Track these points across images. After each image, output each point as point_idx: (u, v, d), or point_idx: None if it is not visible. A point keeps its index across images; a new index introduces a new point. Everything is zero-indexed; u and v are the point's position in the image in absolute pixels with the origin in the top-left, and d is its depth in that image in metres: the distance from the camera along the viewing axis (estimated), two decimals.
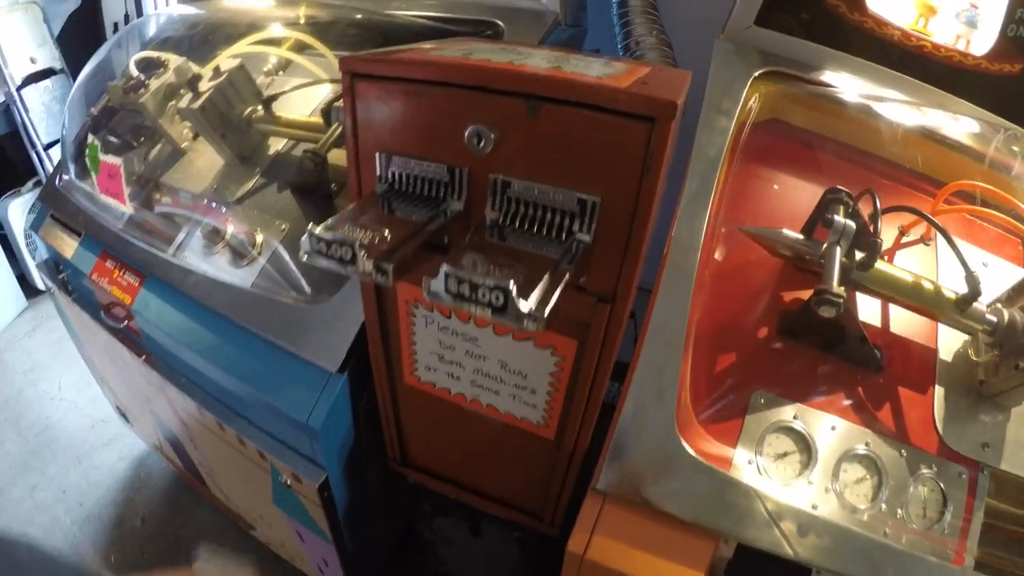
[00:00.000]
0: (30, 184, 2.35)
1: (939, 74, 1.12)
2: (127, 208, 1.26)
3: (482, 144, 0.59)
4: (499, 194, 0.62)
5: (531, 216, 0.62)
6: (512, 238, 0.62)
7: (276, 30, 1.30)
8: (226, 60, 1.22)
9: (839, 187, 0.88)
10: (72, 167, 1.43)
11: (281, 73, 1.37)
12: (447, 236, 0.68)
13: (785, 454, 0.81)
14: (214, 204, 1.17)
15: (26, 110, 2.21)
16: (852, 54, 1.14)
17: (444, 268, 0.51)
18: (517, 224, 0.62)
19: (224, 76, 1.19)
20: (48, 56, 2.27)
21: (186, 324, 1.15)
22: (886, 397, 0.85)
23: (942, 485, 0.79)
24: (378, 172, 0.68)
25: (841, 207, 0.87)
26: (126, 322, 1.29)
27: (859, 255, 0.83)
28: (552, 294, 0.52)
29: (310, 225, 0.57)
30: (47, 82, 2.27)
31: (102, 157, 1.27)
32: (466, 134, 0.60)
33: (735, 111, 1.00)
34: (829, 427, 0.82)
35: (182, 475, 1.73)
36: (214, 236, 1.16)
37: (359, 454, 1.15)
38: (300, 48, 1.30)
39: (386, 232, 0.60)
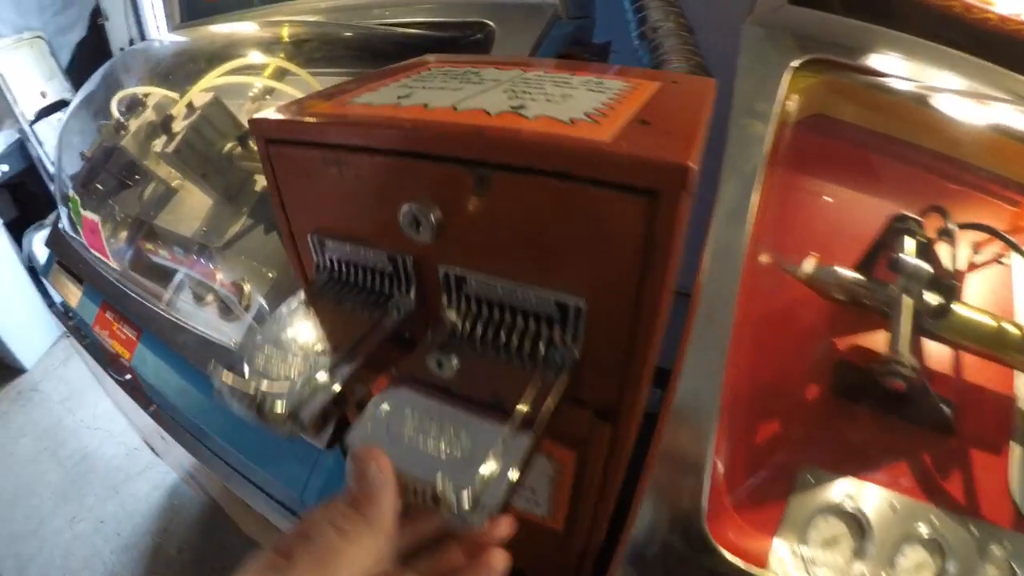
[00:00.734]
0: (52, 217, 2.29)
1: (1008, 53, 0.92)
2: (112, 263, 1.17)
3: (420, 229, 0.43)
4: (454, 291, 0.46)
5: (498, 320, 0.45)
6: (479, 347, 0.48)
7: (254, 57, 1.17)
8: (199, 95, 1.10)
9: (906, 214, 0.70)
10: (65, 214, 1.35)
11: (268, 98, 1.24)
12: (407, 331, 0.54)
13: (834, 539, 0.64)
14: (200, 257, 1.07)
15: (40, 144, 2.14)
16: (904, 32, 0.95)
17: (356, 431, 0.39)
18: (481, 331, 0.46)
19: (197, 113, 1.07)
20: (58, 88, 2.18)
21: (181, 385, 1.06)
22: (955, 462, 0.68)
23: (1015, 565, 0.63)
24: (314, 258, 0.53)
25: (907, 239, 0.69)
26: (129, 375, 1.22)
27: (931, 297, 0.65)
28: (511, 474, 0.37)
29: (220, 373, 0.45)
30: (60, 114, 2.18)
31: (83, 212, 1.18)
32: (400, 216, 0.43)
33: (772, 113, 0.81)
34: (887, 505, 0.65)
35: (212, 505, 1.68)
36: (203, 289, 1.06)
37: None
38: (281, 73, 1.17)
39: (313, 355, 0.47)
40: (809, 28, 0.94)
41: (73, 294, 1.34)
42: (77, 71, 2.24)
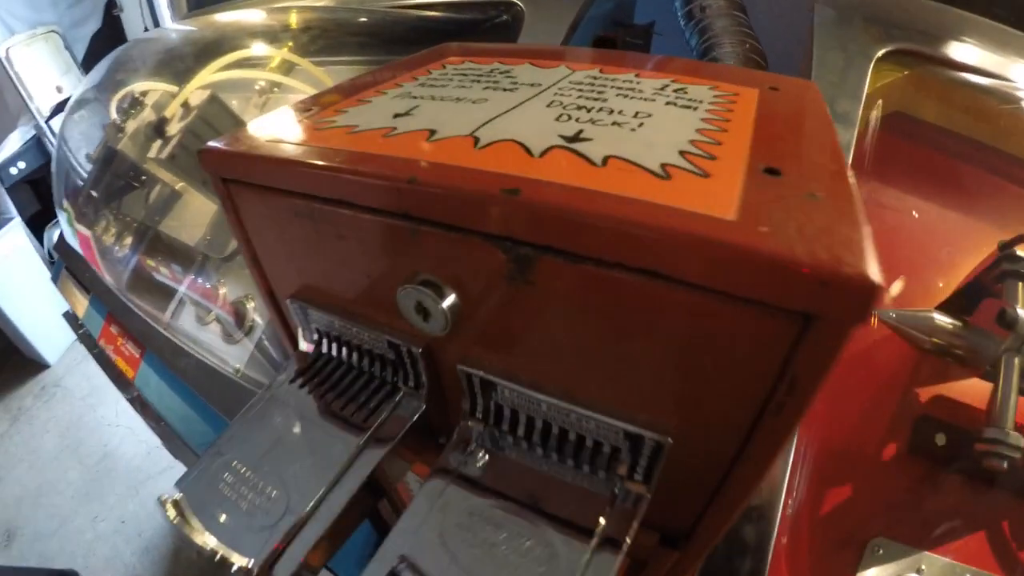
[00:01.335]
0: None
1: None
2: (106, 276, 1.04)
3: (429, 320, 0.28)
4: (479, 397, 0.32)
5: (542, 438, 0.31)
6: (515, 453, 0.33)
7: (257, 48, 1.01)
8: (196, 93, 0.95)
9: (1018, 252, 0.54)
10: (64, 221, 1.21)
11: (276, 90, 1.09)
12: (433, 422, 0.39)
13: None
14: (202, 274, 0.93)
15: (57, 139, 2.00)
16: (994, 19, 0.77)
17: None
18: (514, 440, 0.32)
19: (194, 113, 0.93)
20: (74, 82, 2.02)
21: (184, 412, 0.93)
22: None
23: None
24: (298, 328, 0.40)
25: (1020, 285, 0.53)
26: (136, 392, 1.09)
27: None
28: None
29: (169, 511, 0.32)
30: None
31: (76, 226, 1.05)
32: (400, 301, 0.29)
33: (856, 114, 0.64)
34: None
35: None
36: (203, 310, 0.93)
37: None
38: (289, 65, 1.01)
39: (289, 482, 0.33)
40: (885, 11, 0.76)
41: (80, 303, 1.21)
42: (93, 64, 2.10)
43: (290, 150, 0.32)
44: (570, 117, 0.30)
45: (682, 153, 0.26)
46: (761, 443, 0.27)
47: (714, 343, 0.23)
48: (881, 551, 0.56)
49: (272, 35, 1.02)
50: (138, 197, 1.09)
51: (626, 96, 0.33)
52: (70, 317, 1.32)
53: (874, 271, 0.20)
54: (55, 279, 1.32)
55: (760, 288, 0.21)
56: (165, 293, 0.98)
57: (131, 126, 1.07)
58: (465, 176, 0.25)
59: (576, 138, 0.27)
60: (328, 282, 0.35)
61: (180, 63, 1.03)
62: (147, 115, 1.05)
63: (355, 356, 0.37)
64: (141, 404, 1.07)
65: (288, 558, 0.30)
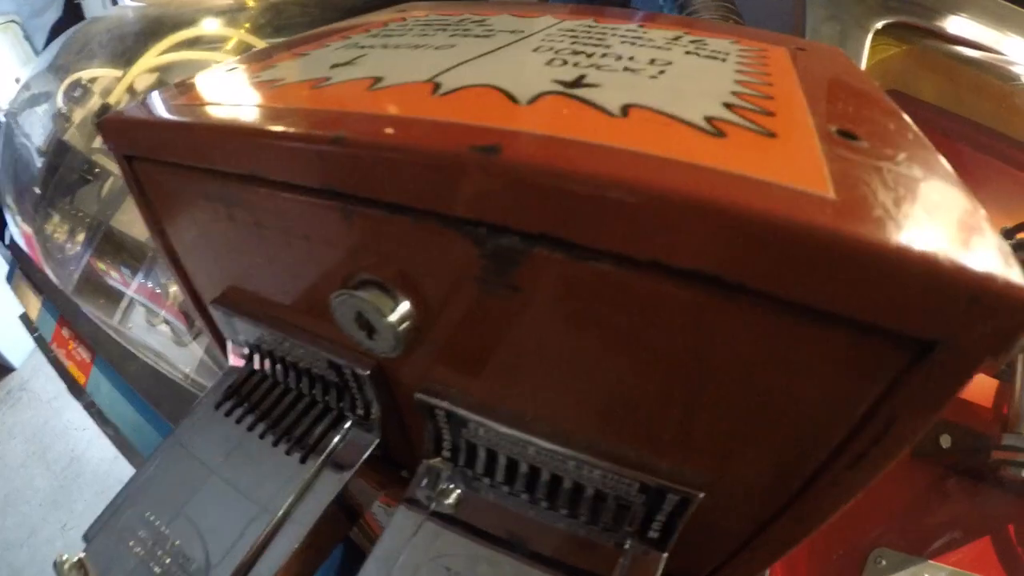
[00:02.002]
0: None
1: None
2: (52, 276, 0.92)
3: (376, 337, 0.19)
4: (446, 434, 0.23)
5: (527, 484, 0.22)
6: (494, 496, 0.25)
7: (208, 26, 0.90)
8: (142, 77, 0.84)
9: None
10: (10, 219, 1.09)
11: None
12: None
13: None
14: (150, 275, 0.82)
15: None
16: None
17: None
18: (491, 483, 0.23)
19: (140, 99, 0.82)
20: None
21: (135, 421, 0.83)
22: None
23: None
24: (226, 336, 0.31)
25: None
26: (89, 399, 0.99)
27: None
28: None
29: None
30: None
31: (19, 224, 0.93)
32: (335, 310, 0.20)
33: None
34: None
35: None
36: (152, 313, 0.82)
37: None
38: (245, 49, 0.90)
39: (210, 541, 0.24)
40: None
41: (34, 305, 1.10)
42: None
43: (191, 113, 0.23)
44: (566, 62, 0.21)
45: (728, 106, 0.17)
46: (818, 499, 0.19)
47: (782, 374, 0.15)
48: (883, 562, 0.51)
49: (227, 13, 0.91)
50: (87, 192, 0.98)
51: (633, 44, 0.24)
52: (25, 319, 1.20)
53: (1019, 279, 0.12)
54: (9, 279, 1.20)
55: (868, 301, 0.13)
56: (114, 294, 0.87)
57: (78, 115, 0.95)
58: (417, 130, 0.16)
59: (578, 83, 0.18)
60: (252, 284, 0.26)
61: (122, 44, 0.91)
62: (95, 103, 0.94)
63: (292, 376, 0.28)
64: (97, 412, 0.97)
65: None
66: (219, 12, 0.94)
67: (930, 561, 0.51)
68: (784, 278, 0.13)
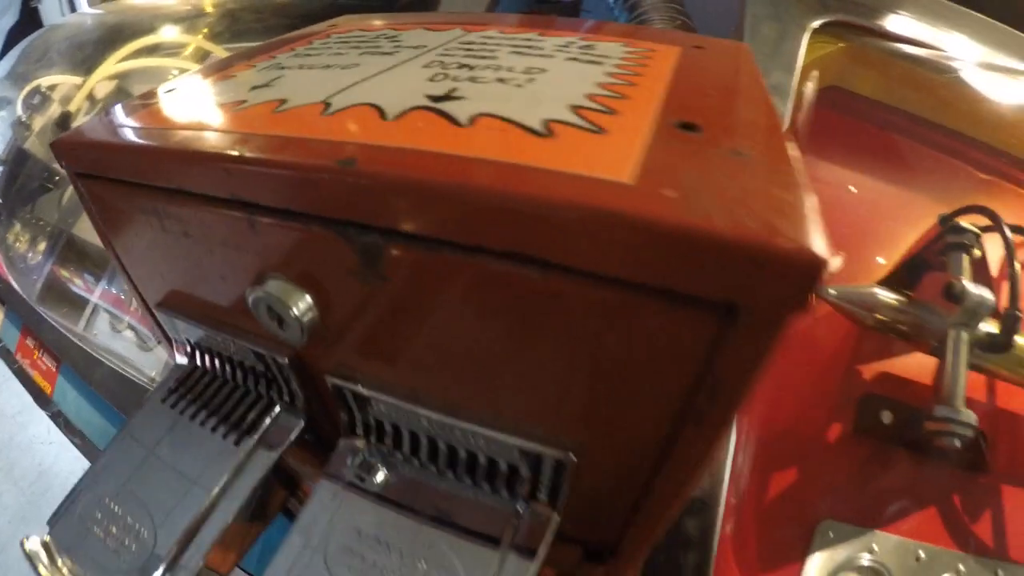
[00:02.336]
0: None
1: None
2: (15, 285, 0.94)
3: (285, 327, 0.23)
4: (356, 412, 0.27)
5: (428, 455, 0.26)
6: (409, 471, 0.28)
7: (166, 32, 0.92)
8: (102, 84, 0.86)
9: (962, 223, 0.52)
10: None
11: None
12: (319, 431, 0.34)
13: None
14: (114, 280, 0.84)
15: None
16: None
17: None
18: (403, 458, 0.27)
19: (99, 107, 0.84)
20: None
21: (102, 427, 0.86)
22: (987, 503, 0.55)
23: None
24: (171, 337, 0.34)
25: (966, 259, 0.51)
26: (56, 408, 1.00)
27: (984, 327, 0.48)
28: None
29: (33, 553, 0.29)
30: None
31: None
32: (250, 304, 0.24)
33: (790, 86, 0.60)
34: (912, 556, 0.53)
35: None
36: (117, 318, 0.85)
37: None
38: (203, 55, 0.93)
39: (159, 515, 0.27)
40: None
41: None
42: None
43: (134, 134, 0.26)
44: (447, 76, 0.24)
45: (574, 108, 0.21)
46: (682, 456, 0.22)
47: (609, 344, 0.18)
48: (831, 533, 0.54)
49: (185, 20, 0.94)
50: (49, 200, 1.00)
51: (521, 53, 0.28)
52: None
53: (819, 244, 0.15)
54: None
55: (665, 272, 0.16)
56: (79, 302, 0.89)
57: (38, 123, 0.97)
58: (298, 148, 0.19)
59: (445, 97, 0.22)
60: (187, 287, 0.29)
61: (82, 52, 0.94)
62: (54, 110, 0.96)
63: (228, 369, 0.31)
64: (63, 421, 0.98)
65: None
66: (177, 19, 0.97)
67: (878, 531, 0.54)
68: (578, 254, 0.16)
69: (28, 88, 1.00)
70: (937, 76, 0.74)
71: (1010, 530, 0.55)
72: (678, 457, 0.22)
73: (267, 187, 0.19)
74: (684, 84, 0.25)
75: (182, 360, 0.35)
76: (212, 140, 0.22)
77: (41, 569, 0.29)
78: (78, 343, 0.87)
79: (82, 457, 1.68)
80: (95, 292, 0.84)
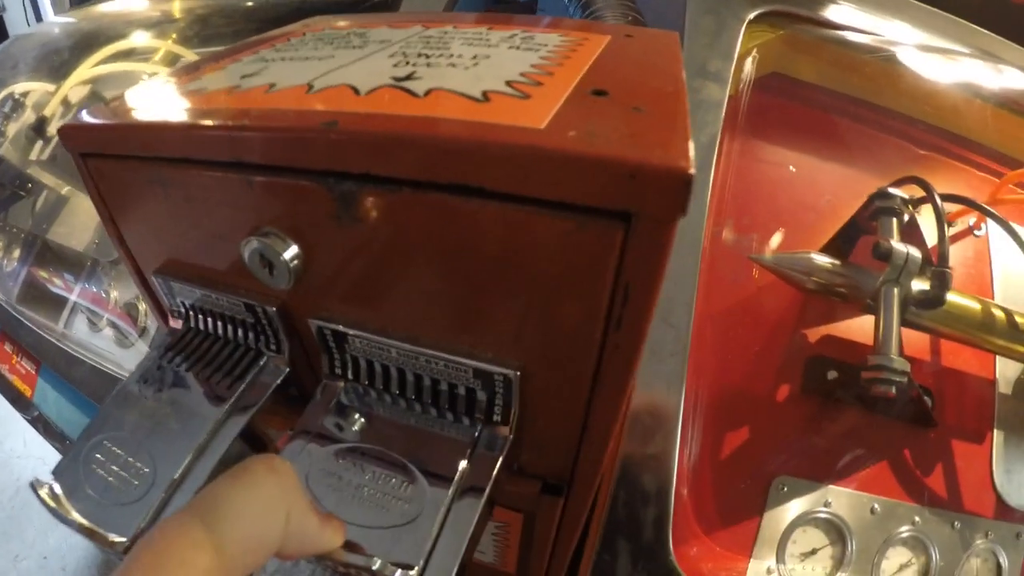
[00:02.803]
0: None
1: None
2: None
3: (275, 273, 0.28)
4: (335, 351, 0.32)
5: (399, 387, 0.31)
6: (386, 405, 0.33)
7: (137, 39, 0.96)
8: (75, 89, 0.90)
9: (889, 190, 0.58)
10: None
11: None
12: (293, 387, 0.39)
13: (814, 551, 0.57)
14: (92, 279, 0.88)
15: None
16: None
17: None
18: (377, 395, 0.32)
19: (74, 111, 0.88)
20: None
21: (84, 424, 0.89)
22: (937, 456, 0.61)
23: (996, 553, 0.59)
24: (166, 303, 0.38)
25: (895, 222, 0.57)
26: (36, 412, 1.03)
27: (917, 285, 0.54)
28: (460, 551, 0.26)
29: (42, 490, 0.33)
30: None
31: None
32: (245, 256, 0.29)
33: (728, 73, 0.67)
34: (867, 508, 0.58)
35: None
36: (96, 316, 0.88)
37: None
38: (174, 56, 0.97)
39: (159, 454, 0.32)
40: None
41: None
42: None
43: (138, 115, 0.31)
44: (408, 63, 0.30)
45: (508, 82, 0.26)
46: (611, 365, 0.27)
47: (540, 259, 0.23)
48: (786, 488, 0.58)
49: (155, 25, 0.98)
50: (24, 206, 1.03)
51: (471, 44, 0.33)
52: None
53: (685, 161, 0.20)
54: None
55: (572, 190, 0.21)
56: (56, 303, 0.93)
57: (11, 129, 1.00)
58: (290, 117, 0.25)
59: (407, 78, 0.27)
60: (185, 250, 0.34)
61: (57, 58, 0.97)
62: (28, 116, 0.99)
63: (219, 325, 0.36)
64: (43, 424, 1.01)
65: None
66: (148, 25, 1.01)
67: (831, 486, 0.58)
68: (506, 181, 0.21)
69: (1, 95, 1.03)
70: (871, 58, 0.80)
71: (963, 483, 0.60)
72: (607, 368, 0.27)
73: (265, 148, 0.25)
74: (605, 63, 0.31)
75: (175, 325, 0.40)
76: (217, 114, 0.27)
77: (52, 502, 0.33)
78: (57, 343, 0.91)
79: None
80: (74, 291, 0.88)
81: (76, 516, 0.32)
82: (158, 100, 0.32)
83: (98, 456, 0.34)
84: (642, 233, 0.22)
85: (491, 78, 0.27)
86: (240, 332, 0.35)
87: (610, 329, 0.25)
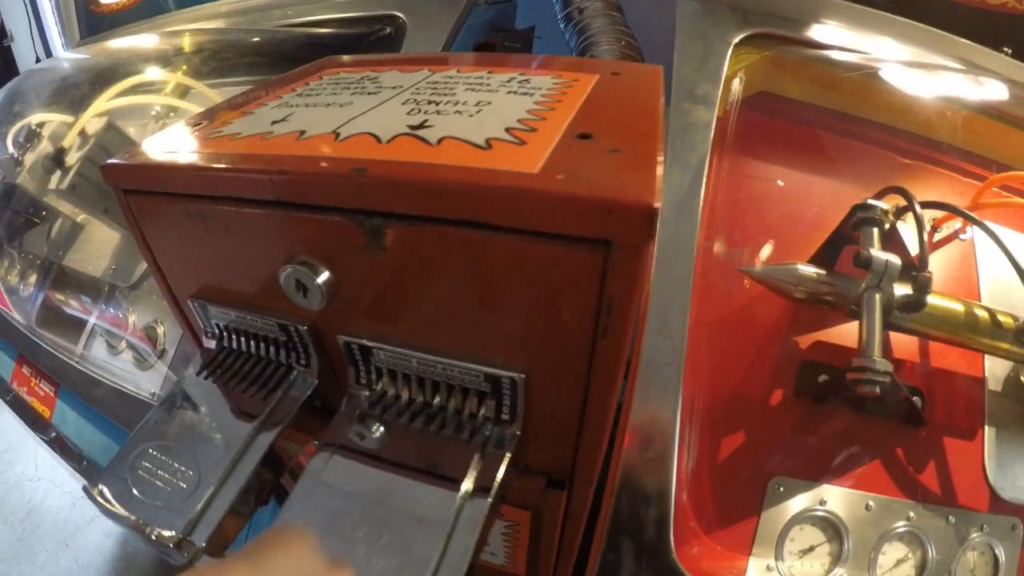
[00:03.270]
0: None
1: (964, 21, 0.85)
2: (16, 316, 1.02)
3: (308, 295, 0.33)
4: (361, 364, 0.37)
5: (418, 395, 0.36)
6: (405, 414, 0.38)
7: (151, 73, 1.02)
8: (92, 121, 0.95)
9: (869, 201, 0.62)
10: None
11: (173, 114, 1.10)
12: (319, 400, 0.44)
13: (811, 548, 0.60)
14: (110, 303, 0.93)
15: None
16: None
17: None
18: (402, 406, 0.36)
19: (92, 142, 0.93)
20: None
21: (105, 444, 0.93)
22: (929, 454, 0.64)
23: (992, 545, 0.61)
24: (201, 325, 0.43)
25: (875, 231, 0.61)
26: (54, 433, 1.08)
27: (901, 289, 0.58)
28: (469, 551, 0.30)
29: (97, 494, 0.37)
30: None
31: None
32: (281, 280, 0.33)
33: (716, 95, 0.72)
34: (862, 505, 0.61)
35: None
36: (115, 338, 0.93)
37: None
38: (184, 89, 1.03)
39: (203, 457, 0.37)
40: (750, 1, 0.85)
41: None
42: None
43: (182, 157, 0.36)
44: (420, 111, 0.35)
45: (507, 129, 0.31)
46: (601, 369, 0.32)
47: (537, 279, 0.28)
48: (782, 488, 0.61)
49: (166, 59, 1.04)
50: (40, 233, 1.08)
51: (474, 90, 0.38)
52: None
53: (651, 197, 0.25)
54: None
55: (560, 223, 0.26)
56: (75, 326, 0.97)
57: (29, 159, 1.06)
58: (324, 163, 0.30)
59: (420, 126, 0.32)
60: (221, 277, 0.39)
61: (76, 92, 1.03)
62: (44, 147, 1.05)
63: (253, 344, 0.41)
64: (61, 445, 1.05)
65: (204, 525, 0.34)
66: (156, 57, 1.06)
67: (827, 485, 0.61)
68: (507, 216, 0.26)
69: (17, 126, 1.09)
70: (854, 75, 0.84)
71: (956, 479, 0.63)
72: (598, 371, 0.32)
73: (303, 190, 0.30)
74: (591, 105, 0.36)
75: (210, 345, 0.44)
76: (258, 159, 0.32)
77: (107, 504, 0.37)
78: (77, 365, 0.95)
79: (71, 493, 1.75)
80: (92, 315, 0.92)
81: (126, 514, 0.36)
82: (197, 142, 0.37)
83: (144, 463, 0.38)
84: (619, 256, 0.27)
85: (492, 126, 0.32)
86: (272, 349, 0.40)
87: (598, 336, 0.30)
